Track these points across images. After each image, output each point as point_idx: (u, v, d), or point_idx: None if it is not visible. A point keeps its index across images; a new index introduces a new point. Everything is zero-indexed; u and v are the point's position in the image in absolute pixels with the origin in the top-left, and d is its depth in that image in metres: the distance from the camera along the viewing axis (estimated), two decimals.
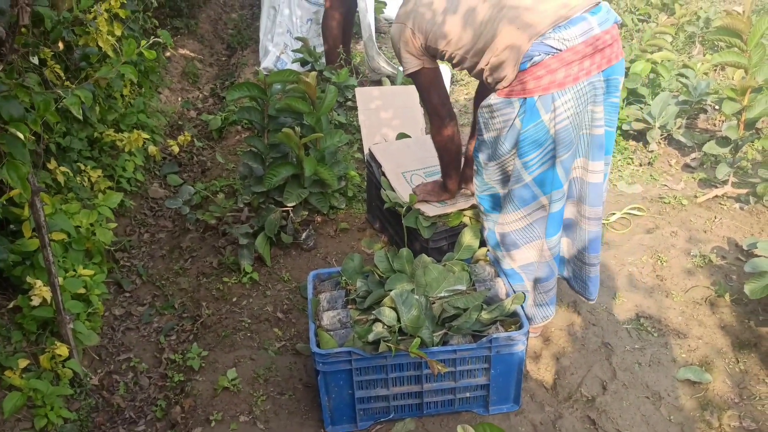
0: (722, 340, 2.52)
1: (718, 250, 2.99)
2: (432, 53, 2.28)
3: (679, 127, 3.86)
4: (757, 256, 2.53)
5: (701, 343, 2.52)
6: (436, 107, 2.42)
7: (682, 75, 4.07)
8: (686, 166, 3.75)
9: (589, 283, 2.41)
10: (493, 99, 2.11)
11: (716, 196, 3.33)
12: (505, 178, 2.23)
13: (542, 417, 2.26)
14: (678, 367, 2.41)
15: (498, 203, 2.31)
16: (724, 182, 3.36)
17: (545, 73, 1.98)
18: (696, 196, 3.41)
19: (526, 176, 2.12)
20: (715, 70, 4.71)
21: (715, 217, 3.21)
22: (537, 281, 2.34)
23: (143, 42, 2.43)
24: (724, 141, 3.31)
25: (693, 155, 3.79)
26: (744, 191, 3.28)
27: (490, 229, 2.37)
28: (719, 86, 4.03)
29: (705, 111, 4.09)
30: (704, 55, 5.11)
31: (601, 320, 2.65)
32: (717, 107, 4.07)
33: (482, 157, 2.26)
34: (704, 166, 3.69)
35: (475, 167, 2.34)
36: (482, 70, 2.12)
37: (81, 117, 2.19)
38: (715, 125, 4.03)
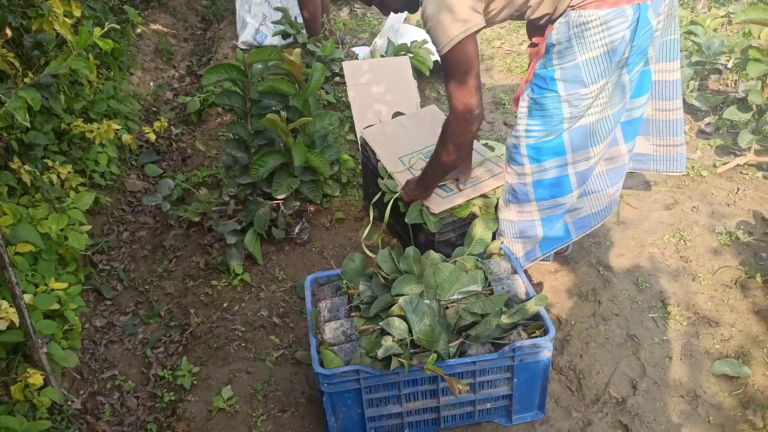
0: (757, 327, 2.33)
1: (744, 225, 2.77)
2: None
3: (692, 91, 3.60)
4: None
5: (735, 332, 2.32)
6: (472, 95, 1.93)
7: (690, 33, 3.79)
8: (701, 132, 3.50)
9: (679, 158, 2.38)
10: (598, 11, 1.82)
11: (737, 165, 3.10)
12: (583, 110, 2.00)
13: (570, 424, 2.07)
14: (712, 360, 2.22)
15: (559, 145, 2.06)
16: (745, 150, 3.12)
17: None
18: (715, 166, 3.18)
19: (628, 93, 2.05)
20: (722, 25, 4.44)
21: (738, 189, 2.99)
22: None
23: (97, 30, 2.09)
24: (744, 105, 3.07)
25: (707, 120, 3.54)
26: (767, 159, 3.05)
27: (522, 183, 2.19)
28: (731, 44, 3.77)
29: (718, 71, 3.82)
30: (709, 9, 4.81)
31: (624, 309, 2.45)
32: (729, 66, 3.81)
33: (565, 87, 1.92)
34: (720, 132, 3.45)
35: (531, 104, 2.02)
36: None
37: (28, 124, 1.89)
38: (727, 86, 3.78)
